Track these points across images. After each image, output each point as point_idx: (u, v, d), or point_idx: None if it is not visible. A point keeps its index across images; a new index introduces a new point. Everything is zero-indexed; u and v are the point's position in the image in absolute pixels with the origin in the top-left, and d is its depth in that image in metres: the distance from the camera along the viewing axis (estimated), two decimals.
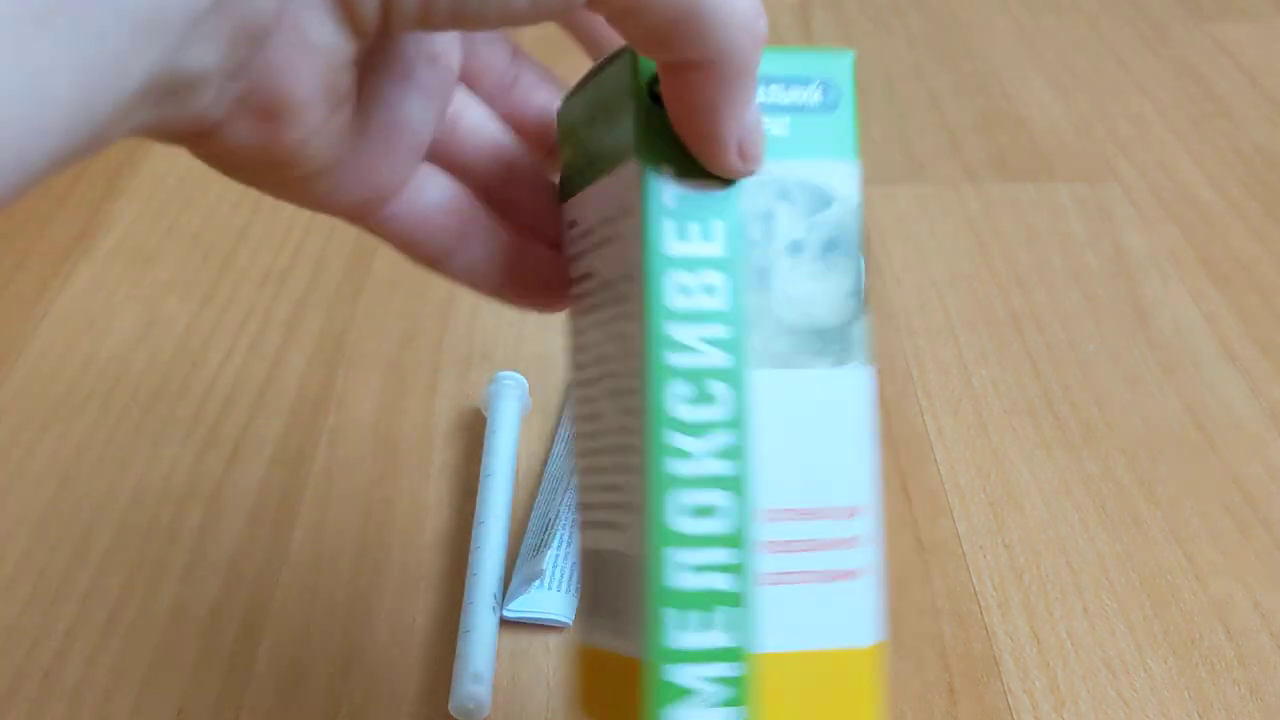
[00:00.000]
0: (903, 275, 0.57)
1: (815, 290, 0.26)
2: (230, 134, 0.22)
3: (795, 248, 0.26)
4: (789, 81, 0.27)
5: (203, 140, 0.22)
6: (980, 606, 0.40)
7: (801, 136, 0.27)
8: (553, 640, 0.39)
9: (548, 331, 0.53)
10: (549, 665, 0.38)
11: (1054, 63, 0.77)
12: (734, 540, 0.25)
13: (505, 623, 0.40)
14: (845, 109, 0.27)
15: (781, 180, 0.26)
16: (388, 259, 0.58)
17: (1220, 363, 0.51)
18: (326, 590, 0.41)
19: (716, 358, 0.26)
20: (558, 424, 0.48)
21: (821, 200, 0.27)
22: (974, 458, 0.46)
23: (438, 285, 0.56)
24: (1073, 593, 0.41)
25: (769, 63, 0.26)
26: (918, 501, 0.44)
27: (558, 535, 0.41)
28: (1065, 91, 0.73)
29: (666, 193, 0.26)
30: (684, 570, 0.25)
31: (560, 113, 0.30)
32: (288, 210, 0.62)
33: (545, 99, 0.30)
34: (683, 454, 0.25)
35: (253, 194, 0.63)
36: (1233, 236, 0.59)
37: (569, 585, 0.40)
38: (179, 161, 0.66)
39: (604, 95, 0.27)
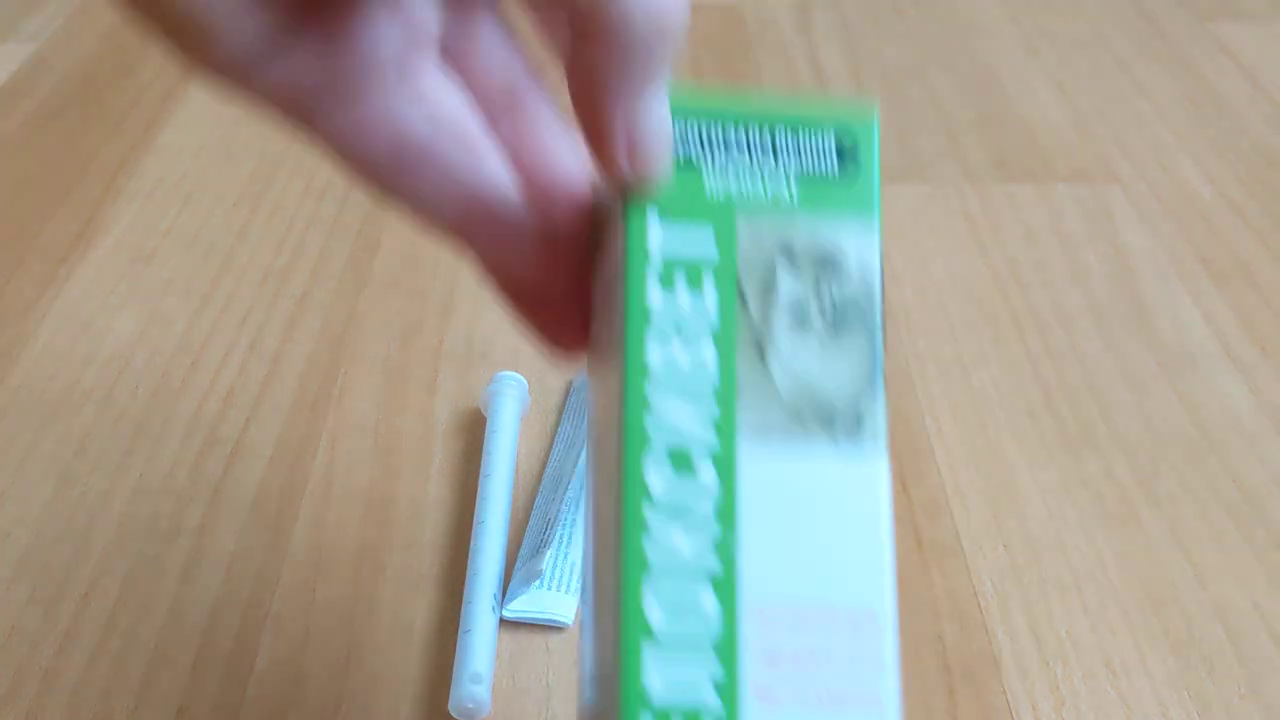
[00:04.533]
0: (903, 275, 0.57)
1: (822, 365, 0.23)
2: None
3: (799, 316, 0.24)
4: (798, 133, 0.24)
5: None
6: (980, 606, 0.40)
7: (811, 194, 0.24)
8: (553, 640, 0.39)
9: None
10: (549, 665, 0.38)
11: (1054, 63, 0.77)
12: (722, 645, 0.22)
13: (505, 623, 0.40)
14: (866, 168, 0.25)
15: (785, 239, 0.24)
16: (388, 259, 0.58)
17: (1220, 363, 0.51)
18: (326, 590, 0.41)
19: (700, 430, 0.23)
20: (558, 424, 0.48)
21: (832, 265, 0.24)
22: (974, 458, 0.46)
23: (438, 285, 0.56)
24: (1073, 593, 0.41)
25: (780, 116, 0.24)
26: (918, 501, 0.44)
27: (557, 535, 0.41)
28: (1065, 91, 0.73)
29: (653, 246, 0.23)
30: (663, 676, 0.21)
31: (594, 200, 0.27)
32: (288, 210, 0.62)
33: (551, 144, 0.27)
34: (658, 539, 0.22)
35: (252, 193, 0.63)
36: (1233, 236, 0.59)
37: (569, 585, 0.40)
38: (178, 162, 0.66)
39: None
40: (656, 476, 0.22)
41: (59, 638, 0.40)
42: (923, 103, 0.72)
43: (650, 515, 0.22)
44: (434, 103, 0.26)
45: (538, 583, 0.40)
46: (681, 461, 0.22)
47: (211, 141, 0.68)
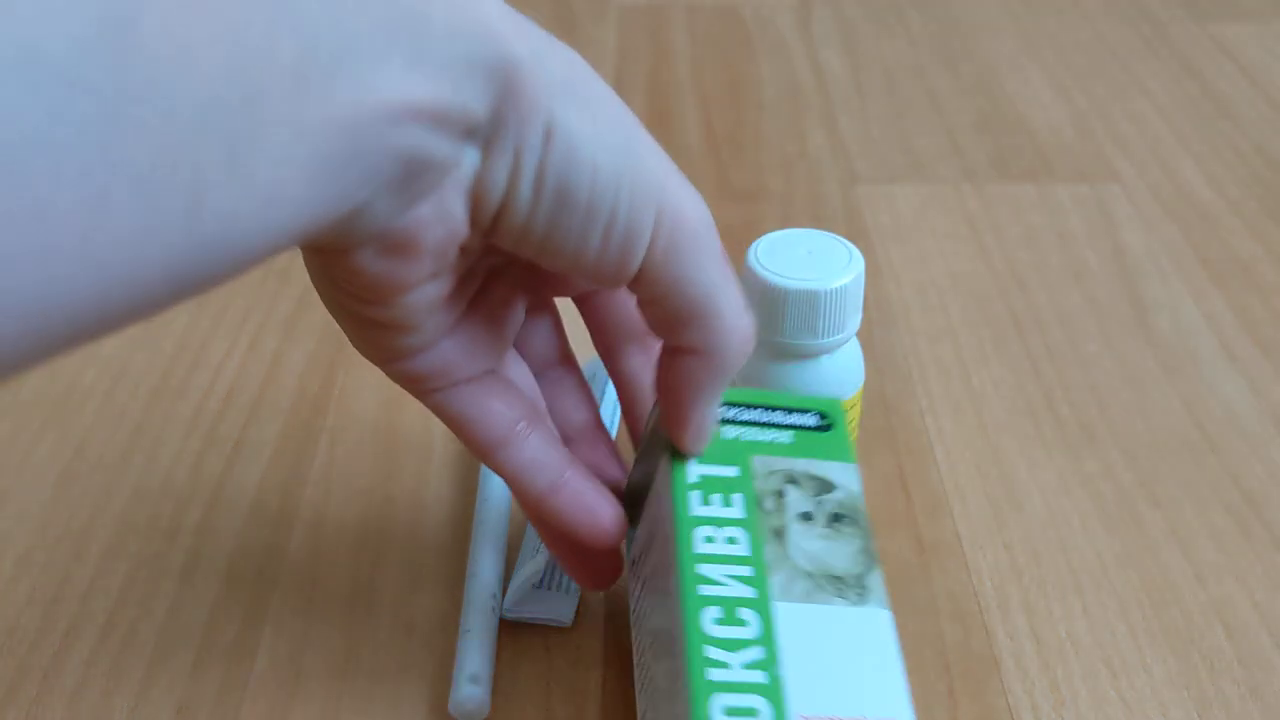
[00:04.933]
0: (903, 275, 0.57)
1: (826, 548, 0.31)
2: (360, 258, 0.27)
3: (805, 516, 0.32)
4: (790, 410, 0.35)
5: (336, 257, 0.27)
6: (980, 606, 0.40)
7: (804, 444, 0.34)
8: (553, 640, 0.39)
9: None
10: (549, 665, 0.38)
11: (1054, 63, 0.77)
12: None
13: (505, 623, 0.40)
14: (839, 431, 0.34)
15: (790, 470, 0.33)
16: None
17: (1220, 363, 0.51)
18: (326, 590, 0.41)
19: (743, 590, 0.30)
20: None
21: (825, 486, 0.33)
22: (974, 458, 0.46)
23: None
24: (1073, 593, 0.41)
25: (775, 400, 0.35)
26: (918, 501, 0.44)
27: None
28: (1065, 91, 0.73)
29: (691, 475, 0.32)
30: None
31: (627, 485, 0.36)
32: None
33: (582, 413, 0.36)
34: (720, 665, 0.28)
35: None
36: (1233, 236, 0.59)
37: (569, 585, 0.40)
38: None
39: (652, 443, 0.34)
40: (712, 623, 0.29)
41: (59, 638, 0.40)
42: (923, 103, 0.72)
43: (709, 650, 0.28)
44: (526, 385, 0.34)
45: (537, 583, 0.40)
46: (730, 612, 0.29)
47: None
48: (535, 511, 0.34)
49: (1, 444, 0.47)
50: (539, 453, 0.33)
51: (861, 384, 0.40)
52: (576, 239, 0.27)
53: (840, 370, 0.39)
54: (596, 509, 0.33)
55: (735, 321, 0.30)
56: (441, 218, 0.27)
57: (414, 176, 0.25)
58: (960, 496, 0.45)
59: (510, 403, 0.33)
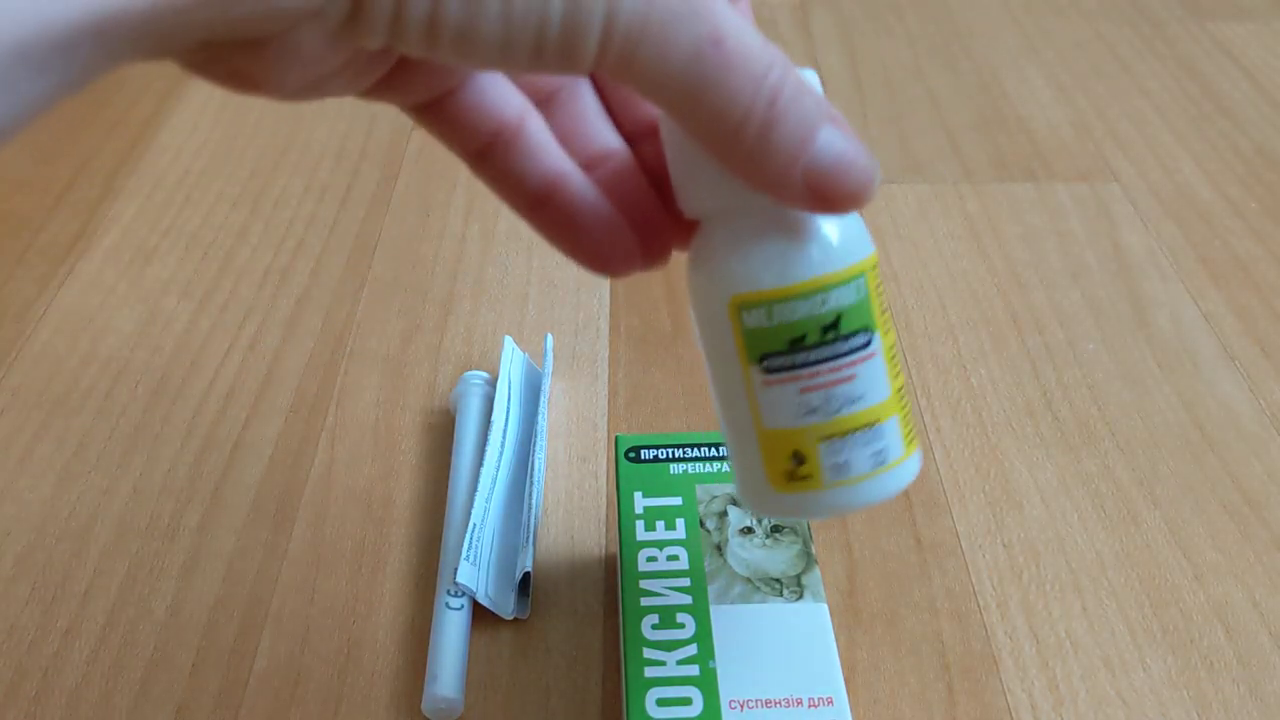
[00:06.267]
0: (902, 275, 0.57)
1: (765, 556, 0.34)
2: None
3: (746, 531, 0.35)
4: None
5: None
6: (979, 606, 0.40)
7: None
8: (553, 640, 0.39)
9: (548, 328, 0.53)
10: (549, 665, 0.38)
11: (1054, 63, 0.77)
12: None
13: (505, 622, 0.40)
14: None
15: (732, 493, 0.36)
16: (388, 259, 0.58)
17: (1220, 363, 0.51)
18: (326, 590, 0.41)
19: (680, 599, 0.33)
20: (535, 423, 0.48)
21: None
22: (973, 457, 0.46)
23: (438, 285, 0.56)
24: (1072, 592, 0.41)
25: (716, 436, 0.38)
26: (918, 501, 0.44)
27: (537, 532, 0.41)
28: (1065, 91, 0.73)
29: (637, 507, 0.36)
30: None
31: None
32: (288, 209, 0.62)
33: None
34: (655, 663, 0.32)
35: (252, 193, 0.63)
36: (1232, 236, 0.59)
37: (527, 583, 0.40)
38: (178, 161, 0.66)
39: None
40: (650, 629, 0.32)
41: (58, 637, 0.40)
42: (923, 103, 0.72)
43: (647, 651, 0.32)
44: (510, 91, 0.29)
45: (523, 579, 0.40)
46: (667, 618, 0.33)
47: (211, 141, 0.68)
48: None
49: (1, 444, 0.47)
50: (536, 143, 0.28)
51: (873, 250, 0.32)
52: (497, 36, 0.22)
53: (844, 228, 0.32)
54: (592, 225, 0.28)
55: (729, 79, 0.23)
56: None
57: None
58: (959, 495, 0.45)
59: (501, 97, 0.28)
